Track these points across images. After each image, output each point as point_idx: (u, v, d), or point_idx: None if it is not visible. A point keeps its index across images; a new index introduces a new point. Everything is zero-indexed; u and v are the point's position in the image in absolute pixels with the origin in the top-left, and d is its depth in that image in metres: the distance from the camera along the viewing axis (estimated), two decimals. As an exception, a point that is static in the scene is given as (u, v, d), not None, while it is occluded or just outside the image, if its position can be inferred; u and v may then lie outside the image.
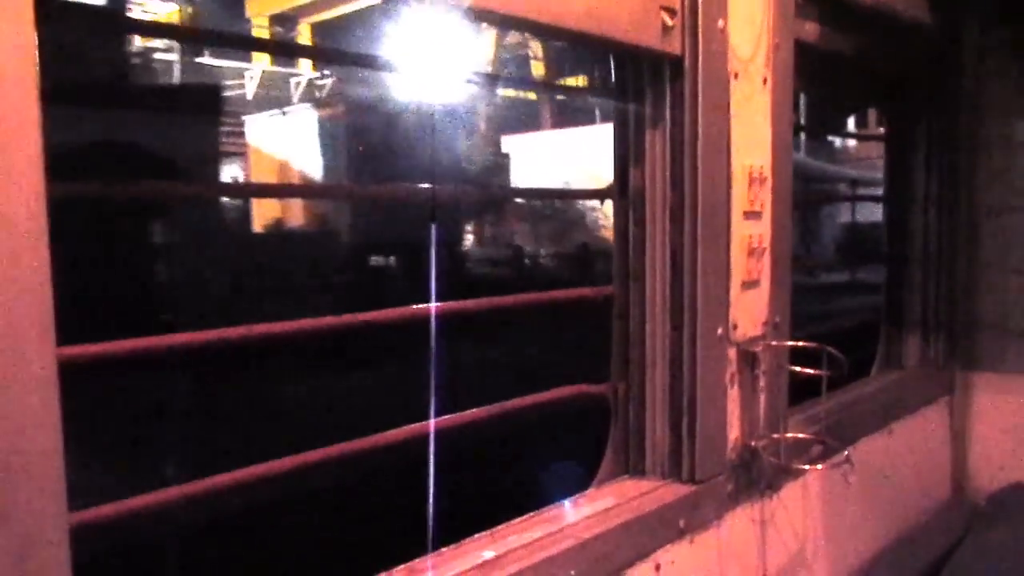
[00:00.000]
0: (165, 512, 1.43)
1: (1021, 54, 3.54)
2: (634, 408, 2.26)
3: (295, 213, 21.56)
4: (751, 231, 2.31)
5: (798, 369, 2.47)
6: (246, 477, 1.54)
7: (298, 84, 38.06)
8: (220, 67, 35.83)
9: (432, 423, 1.83)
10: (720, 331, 2.22)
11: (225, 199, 21.86)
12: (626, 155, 2.22)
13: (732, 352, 2.28)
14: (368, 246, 20.07)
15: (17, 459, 1.05)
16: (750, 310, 2.34)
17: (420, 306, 1.84)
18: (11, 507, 1.05)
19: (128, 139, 13.03)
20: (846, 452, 2.58)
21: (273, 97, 33.13)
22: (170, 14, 32.49)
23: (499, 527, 1.93)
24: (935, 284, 3.62)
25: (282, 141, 22.62)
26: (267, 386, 10.37)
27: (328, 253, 19.20)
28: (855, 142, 30.14)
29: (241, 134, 25.86)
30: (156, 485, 1.44)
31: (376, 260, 20.56)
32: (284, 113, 23.54)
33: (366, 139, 20.33)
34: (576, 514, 2.02)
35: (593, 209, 25.16)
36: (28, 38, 1.05)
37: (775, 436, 2.42)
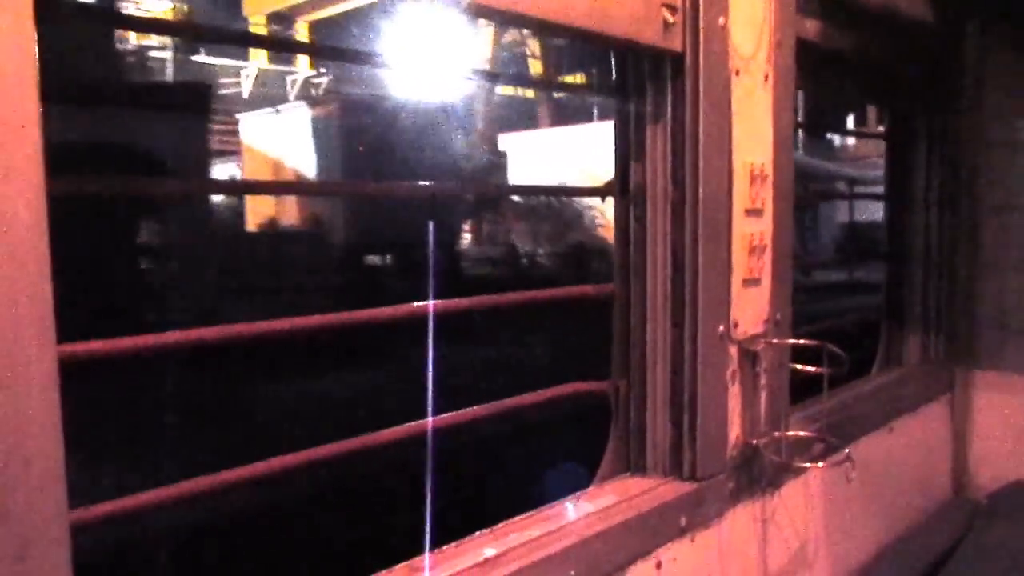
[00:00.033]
0: (164, 511, 1.42)
1: (1022, 53, 3.54)
2: (635, 406, 2.26)
3: (289, 212, 21.51)
4: (752, 228, 2.31)
5: (799, 367, 2.47)
6: (248, 475, 1.54)
7: (294, 82, 38.08)
8: (216, 65, 35.86)
9: (430, 421, 1.82)
10: (721, 329, 2.21)
11: (217, 198, 21.86)
12: (627, 153, 2.21)
13: (733, 350, 2.28)
14: (364, 245, 20.02)
15: (17, 457, 1.05)
16: (751, 308, 2.33)
17: (418, 304, 1.84)
18: (11, 505, 1.04)
19: (115, 138, 12.88)
20: (847, 450, 2.57)
21: (269, 95, 33.14)
22: (165, 12, 32.48)
23: (500, 525, 1.93)
24: (936, 282, 3.62)
25: (276, 139, 22.56)
26: (257, 387, 10.32)
27: (322, 252, 19.14)
28: (854, 140, 30.19)
29: (235, 132, 25.82)
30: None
31: (372, 259, 20.51)
32: (277, 111, 23.44)
33: (361, 137, 20.27)
34: (577, 512, 2.01)
35: (590, 207, 25.18)
36: (28, 35, 1.04)
37: (776, 434, 2.41)
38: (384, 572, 1.68)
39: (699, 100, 2.10)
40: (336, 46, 2.26)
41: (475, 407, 1.96)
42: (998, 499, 3.59)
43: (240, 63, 36.80)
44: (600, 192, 2.34)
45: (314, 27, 36.22)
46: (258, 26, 34.38)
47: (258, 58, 36.86)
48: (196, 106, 16.61)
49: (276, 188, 18.12)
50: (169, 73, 32.84)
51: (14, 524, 1.05)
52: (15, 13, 1.03)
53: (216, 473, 1.50)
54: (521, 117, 32.02)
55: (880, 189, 3.95)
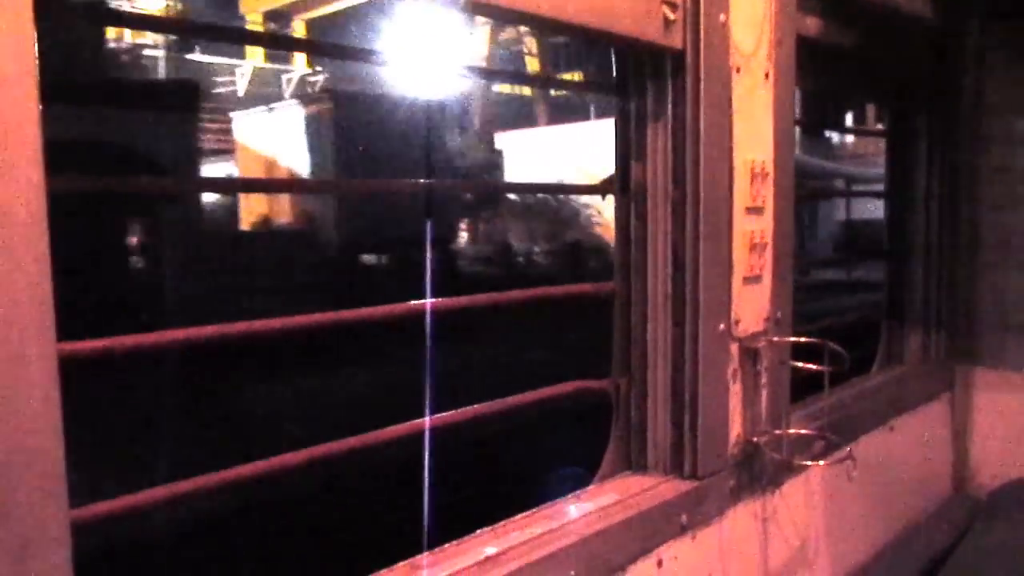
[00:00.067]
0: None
1: (1022, 51, 3.54)
2: (636, 404, 2.25)
3: (283, 211, 21.47)
4: (753, 226, 2.30)
5: (800, 365, 2.46)
6: (249, 473, 1.53)
7: (289, 80, 38.08)
8: (211, 64, 35.84)
9: (428, 420, 1.82)
10: (722, 327, 2.21)
11: (210, 197, 21.82)
12: (627, 151, 2.21)
13: (734, 348, 2.28)
14: (359, 244, 19.99)
15: (17, 455, 1.04)
16: (752, 306, 2.33)
17: (416, 302, 1.83)
18: (11, 504, 1.04)
19: (107, 137, 12.84)
20: (848, 448, 2.57)
21: (265, 94, 33.15)
22: (160, 10, 32.45)
23: (501, 523, 1.92)
24: (936, 280, 3.62)
25: (269, 138, 22.51)
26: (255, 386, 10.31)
27: (317, 252, 19.10)
28: (852, 138, 30.21)
29: (230, 131, 25.79)
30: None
31: (367, 259, 20.48)
32: (270, 109, 23.37)
33: (354, 135, 20.22)
34: (578, 510, 2.01)
35: (587, 206, 25.21)
36: (28, 35, 1.04)
37: (777, 432, 2.41)
38: (385, 571, 1.68)
39: (700, 98, 2.09)
40: (332, 42, 2.23)
41: (475, 405, 1.95)
42: (998, 497, 3.59)
43: (236, 61, 36.79)
44: (600, 190, 2.33)
45: (311, 25, 36.23)
46: (255, 24, 34.39)
47: (254, 57, 36.85)
48: (184, 104, 16.53)
49: (271, 186, 18.09)
50: (162, 71, 32.85)
51: (14, 523, 1.04)
52: (15, 13, 1.03)
53: (215, 473, 1.50)
54: (518, 115, 32.03)
55: (878, 187, 3.95)
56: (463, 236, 25.88)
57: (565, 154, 25.04)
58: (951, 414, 3.75)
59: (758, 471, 2.39)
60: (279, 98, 30.24)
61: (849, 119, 24.37)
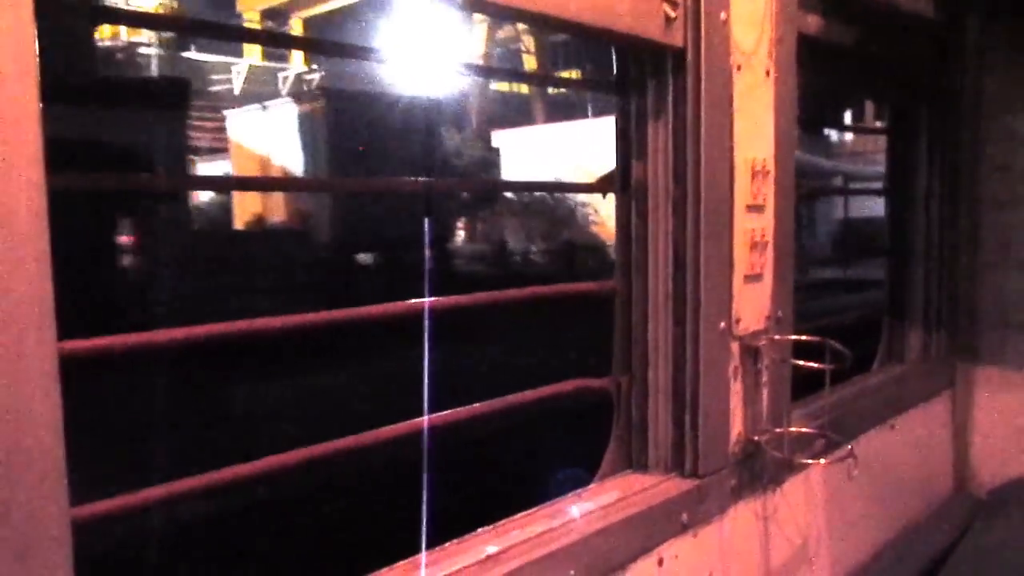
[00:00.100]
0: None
1: (1022, 49, 3.53)
2: (637, 402, 2.25)
3: (277, 210, 21.41)
4: (754, 224, 2.30)
5: (801, 363, 2.46)
6: (246, 473, 1.52)
7: (286, 79, 38.05)
8: (207, 62, 35.80)
9: (426, 419, 1.81)
10: (723, 325, 2.20)
11: (204, 195, 21.77)
12: (628, 149, 2.20)
13: (735, 346, 2.27)
14: (354, 244, 19.94)
15: (17, 455, 1.04)
16: (753, 304, 2.32)
17: (415, 301, 1.82)
18: (12, 503, 1.04)
19: (94, 135, 12.74)
20: (849, 446, 2.56)
21: (261, 92, 33.11)
22: (156, 7, 32.40)
23: (502, 522, 1.92)
24: (937, 278, 3.62)
25: (263, 136, 22.46)
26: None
27: (312, 251, 19.05)
28: (850, 136, 30.22)
29: (224, 129, 25.74)
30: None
31: (362, 258, 20.43)
32: (264, 107, 23.31)
33: (349, 133, 20.18)
34: (579, 509, 2.00)
35: (583, 204, 25.21)
36: (28, 34, 1.04)
37: (778, 430, 2.41)
38: (386, 569, 1.68)
39: (700, 96, 2.09)
40: (329, 40, 2.22)
41: (476, 404, 1.94)
42: (999, 495, 3.59)
43: (232, 60, 36.76)
44: (600, 188, 2.33)
45: (308, 23, 36.21)
46: (252, 22, 34.37)
47: (251, 55, 36.82)
48: (173, 102, 16.46)
49: (265, 184, 18.05)
50: (157, 70, 32.81)
51: (15, 522, 1.04)
52: (15, 12, 1.02)
53: (215, 472, 1.49)
54: (515, 113, 32.00)
55: (876, 185, 3.94)
56: (459, 235, 25.87)
57: (563, 152, 25.02)
58: (952, 412, 3.75)
59: (759, 469, 2.39)
60: (276, 96, 30.22)
61: (848, 117, 24.38)
